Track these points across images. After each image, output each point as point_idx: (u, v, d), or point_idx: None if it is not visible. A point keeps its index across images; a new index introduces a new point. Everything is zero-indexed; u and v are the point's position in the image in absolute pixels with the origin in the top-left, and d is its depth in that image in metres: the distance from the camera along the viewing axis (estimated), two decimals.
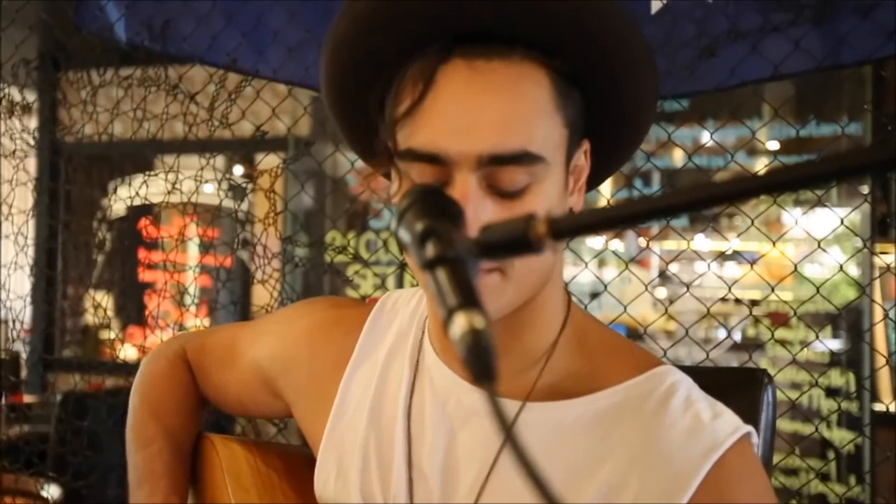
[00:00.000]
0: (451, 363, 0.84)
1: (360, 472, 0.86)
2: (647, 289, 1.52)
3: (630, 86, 0.80)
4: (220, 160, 2.20)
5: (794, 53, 1.38)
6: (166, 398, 1.05)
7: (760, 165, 3.65)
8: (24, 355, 2.78)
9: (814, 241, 1.52)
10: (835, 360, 3.35)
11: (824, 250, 1.47)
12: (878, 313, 2.34)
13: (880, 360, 2.79)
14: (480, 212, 0.71)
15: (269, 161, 2.03)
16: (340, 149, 1.91)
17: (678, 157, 3.78)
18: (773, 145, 3.93)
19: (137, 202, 2.27)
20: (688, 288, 1.49)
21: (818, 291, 1.38)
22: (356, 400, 0.90)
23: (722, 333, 3.75)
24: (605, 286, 1.56)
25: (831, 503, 3.37)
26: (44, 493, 2.17)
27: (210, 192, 2.14)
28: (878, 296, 3.14)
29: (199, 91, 1.97)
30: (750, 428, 0.77)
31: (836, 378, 3.41)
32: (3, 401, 2.79)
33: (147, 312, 2.30)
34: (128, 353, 2.63)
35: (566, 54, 0.76)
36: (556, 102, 0.76)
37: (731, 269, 4.08)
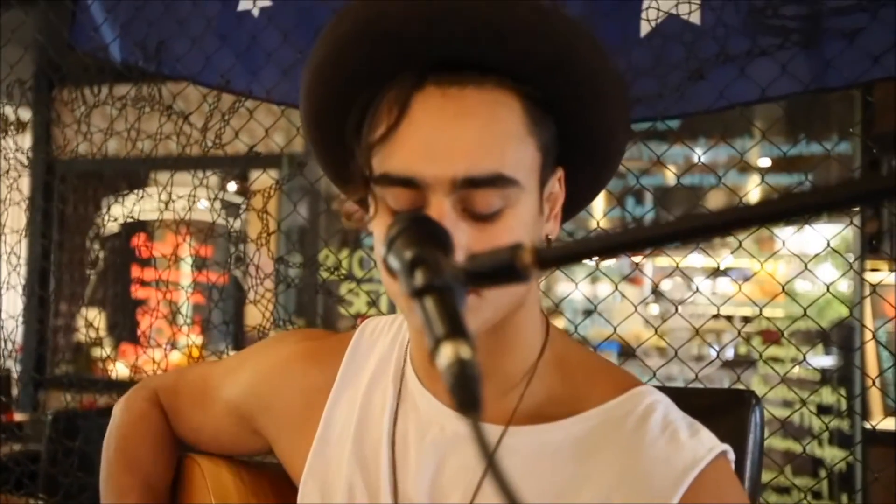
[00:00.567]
0: (434, 390, 0.85)
1: (345, 501, 0.86)
2: (636, 309, 1.53)
3: (600, 114, 0.81)
4: (213, 178, 2.21)
5: (781, 77, 1.40)
6: (140, 449, 1.04)
7: (752, 184, 3.68)
8: (15, 373, 2.77)
9: (807, 257, 1.53)
10: (826, 377, 3.36)
11: (811, 271, 1.48)
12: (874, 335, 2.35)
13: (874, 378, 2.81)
14: (456, 235, 0.72)
15: (262, 181, 2.04)
16: None
17: (671, 176, 3.81)
18: (765, 162, 3.96)
19: (131, 220, 2.27)
20: (677, 308, 1.50)
21: (805, 312, 1.40)
22: (339, 428, 0.90)
23: (715, 351, 3.75)
24: (595, 306, 1.57)
25: None
26: None
27: (204, 209, 2.15)
28: (869, 313, 3.16)
29: (192, 111, 1.98)
30: (726, 446, 0.78)
31: (827, 396, 3.41)
32: None
33: (140, 332, 2.29)
34: (120, 370, 2.61)
35: (538, 80, 0.77)
36: (528, 127, 0.77)
37: (725, 286, 4.10)
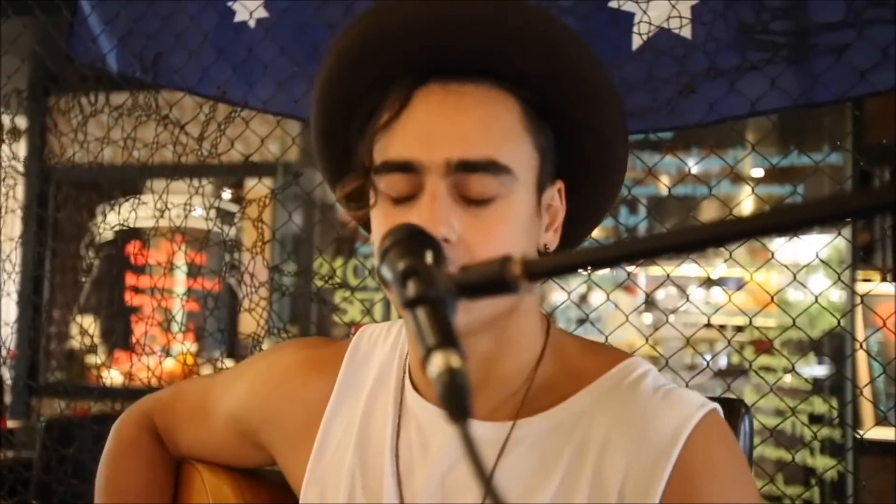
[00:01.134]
0: (434, 399, 0.86)
1: None
2: (627, 319, 1.54)
3: (597, 123, 0.83)
4: (209, 187, 2.22)
5: (770, 91, 1.42)
6: (131, 478, 1.04)
7: (744, 194, 3.70)
8: (8, 380, 2.76)
9: (800, 266, 1.55)
10: (817, 387, 3.38)
11: (800, 282, 1.50)
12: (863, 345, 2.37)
13: (864, 388, 2.82)
14: (449, 217, 0.75)
15: (257, 190, 2.05)
16: None
17: (664, 186, 3.83)
18: (759, 173, 3.99)
19: (126, 228, 2.28)
20: (667, 318, 1.51)
21: (794, 322, 1.41)
22: (338, 438, 0.90)
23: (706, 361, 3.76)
24: (587, 316, 1.59)
25: None
26: None
27: (198, 216, 2.16)
28: (860, 324, 3.18)
29: (189, 121, 1.99)
30: (716, 404, 0.81)
31: (819, 405, 3.43)
32: None
33: (134, 339, 2.29)
34: (114, 377, 2.62)
35: (534, 86, 0.80)
36: (525, 125, 0.80)
37: (719, 296, 4.11)
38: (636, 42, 1.53)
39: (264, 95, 1.79)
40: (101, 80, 2.08)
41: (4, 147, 2.23)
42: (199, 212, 2.09)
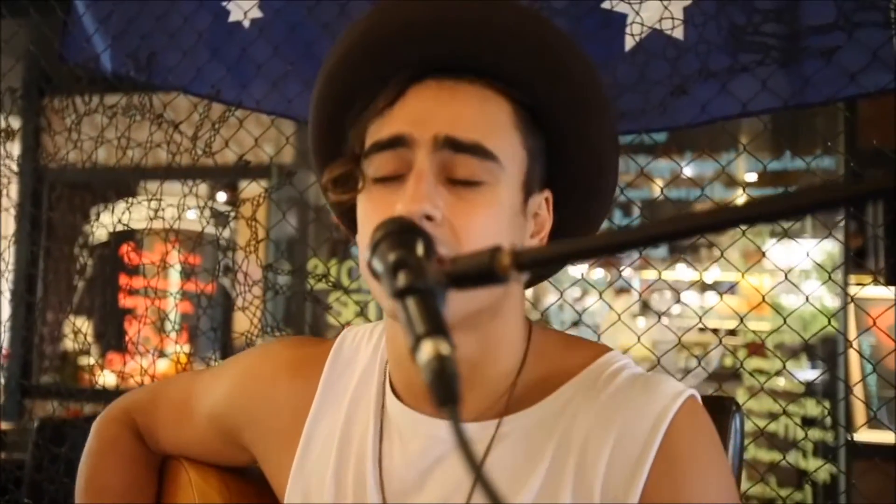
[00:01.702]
0: (415, 402, 0.86)
1: None
2: (619, 318, 1.55)
3: (587, 129, 0.84)
4: (203, 187, 2.22)
5: (761, 92, 1.43)
6: (111, 478, 1.04)
7: (738, 197, 3.71)
8: (1, 381, 2.75)
9: (792, 267, 1.56)
10: (809, 389, 3.39)
11: (791, 282, 1.51)
12: (853, 344, 2.39)
13: (856, 390, 2.83)
14: (434, 195, 0.76)
15: (251, 189, 2.06)
16: None
17: (658, 189, 3.85)
18: (752, 177, 4.01)
19: (120, 228, 2.28)
20: (659, 317, 1.52)
21: (785, 321, 1.42)
22: (322, 441, 0.90)
23: (700, 363, 3.77)
24: (580, 314, 1.59)
25: None
26: None
27: (193, 219, 2.16)
28: (853, 327, 3.19)
29: (183, 120, 1.99)
30: (694, 390, 0.82)
31: (811, 408, 3.45)
32: None
33: (127, 338, 2.29)
34: (107, 379, 2.61)
35: (526, 88, 0.81)
36: (515, 124, 0.81)
37: (713, 300, 4.13)
38: (629, 43, 1.54)
39: (258, 95, 1.79)
40: (96, 80, 2.08)
41: None
42: (192, 215, 2.09)
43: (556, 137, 0.84)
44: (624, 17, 1.54)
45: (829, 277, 1.41)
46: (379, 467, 0.86)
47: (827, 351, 3.54)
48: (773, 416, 3.11)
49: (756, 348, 3.60)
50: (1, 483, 2.23)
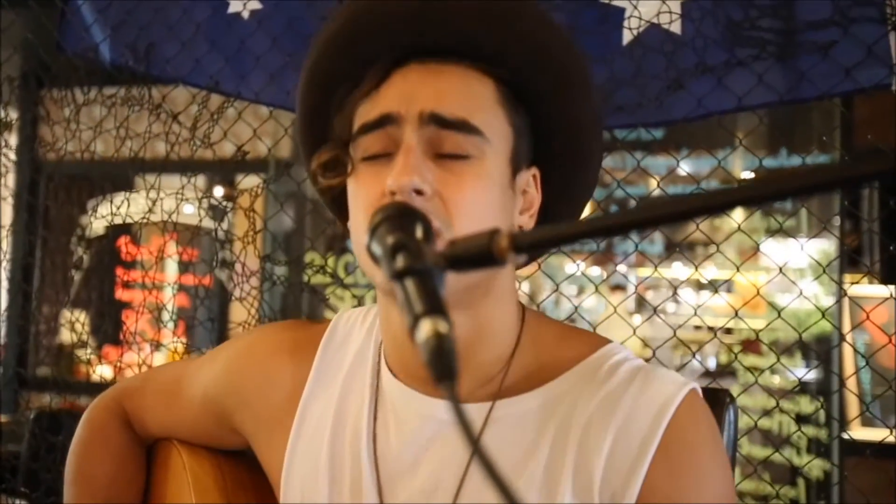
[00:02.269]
0: (410, 382, 0.86)
1: (328, 497, 0.87)
2: (615, 310, 1.56)
3: (569, 108, 0.85)
4: (200, 180, 2.22)
5: (757, 87, 1.44)
6: (98, 467, 1.04)
7: None
8: None
9: (788, 270, 1.57)
10: (803, 387, 3.41)
11: (786, 276, 1.52)
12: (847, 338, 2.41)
13: (850, 386, 2.85)
14: (422, 168, 0.76)
15: (249, 181, 2.06)
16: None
17: (655, 180, 3.86)
18: (749, 175, 4.02)
19: (117, 220, 2.28)
20: (654, 310, 1.53)
21: (779, 315, 1.43)
22: (315, 422, 0.91)
23: (698, 360, 3.80)
24: (576, 308, 1.60)
25: None
26: None
27: (190, 213, 2.16)
28: (847, 325, 3.21)
29: (181, 111, 1.99)
30: (695, 383, 0.83)
31: (805, 405, 3.46)
32: None
33: (124, 330, 2.29)
34: (103, 372, 2.61)
35: (509, 67, 0.83)
36: (498, 99, 0.83)
37: (709, 297, 4.15)
38: (626, 37, 1.55)
39: (256, 86, 1.79)
40: (94, 71, 2.07)
41: None
42: (190, 209, 2.09)
43: (540, 114, 0.85)
44: (622, 11, 1.55)
45: (824, 271, 1.42)
46: (373, 446, 0.86)
47: (821, 349, 3.56)
48: (768, 413, 3.12)
49: (752, 345, 3.62)
50: None
